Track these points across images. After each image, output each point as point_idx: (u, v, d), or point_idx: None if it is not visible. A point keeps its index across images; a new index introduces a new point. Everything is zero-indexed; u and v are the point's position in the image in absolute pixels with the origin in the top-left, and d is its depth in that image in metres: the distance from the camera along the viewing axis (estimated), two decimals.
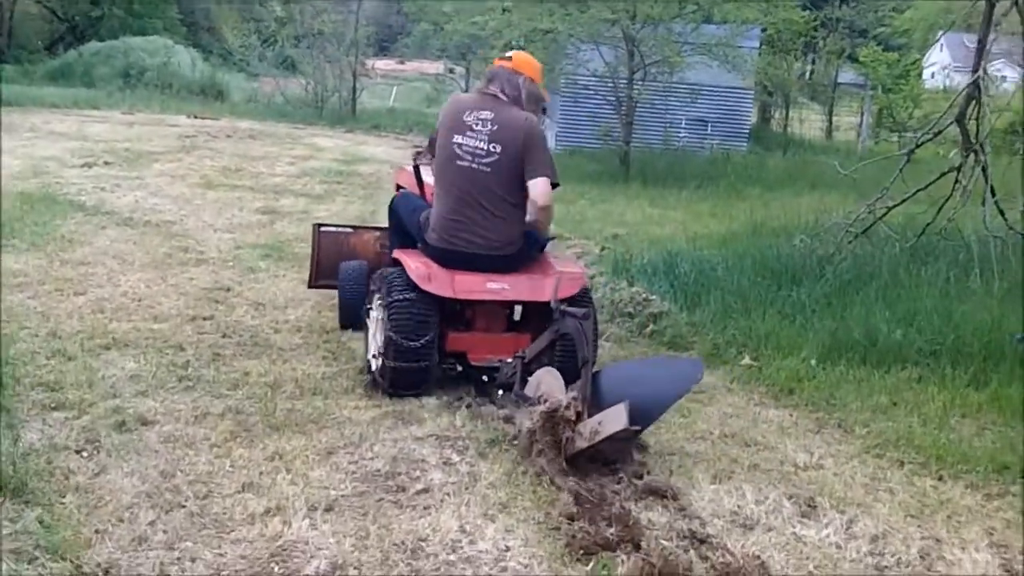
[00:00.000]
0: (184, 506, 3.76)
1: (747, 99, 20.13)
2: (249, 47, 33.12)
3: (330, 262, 6.71)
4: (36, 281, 7.30)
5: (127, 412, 4.74)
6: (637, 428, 4.16)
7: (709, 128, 19.42)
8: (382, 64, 45.68)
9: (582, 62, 16.32)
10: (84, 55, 33.43)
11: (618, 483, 4.14)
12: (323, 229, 6.86)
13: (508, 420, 4.80)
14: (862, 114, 25.70)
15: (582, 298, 5.31)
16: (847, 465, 4.57)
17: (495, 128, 5.24)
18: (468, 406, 5.07)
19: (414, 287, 5.16)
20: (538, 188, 5.22)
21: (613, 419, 4.09)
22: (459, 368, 5.42)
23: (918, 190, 8.39)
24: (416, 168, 6.23)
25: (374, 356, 5.38)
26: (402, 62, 51.04)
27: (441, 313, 5.27)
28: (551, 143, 19.35)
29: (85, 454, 4.24)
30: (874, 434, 4.94)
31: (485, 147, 5.23)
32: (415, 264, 5.26)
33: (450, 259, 5.31)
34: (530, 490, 4.06)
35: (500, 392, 5.05)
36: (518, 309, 5.64)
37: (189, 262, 8.35)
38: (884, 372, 5.79)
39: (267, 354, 5.91)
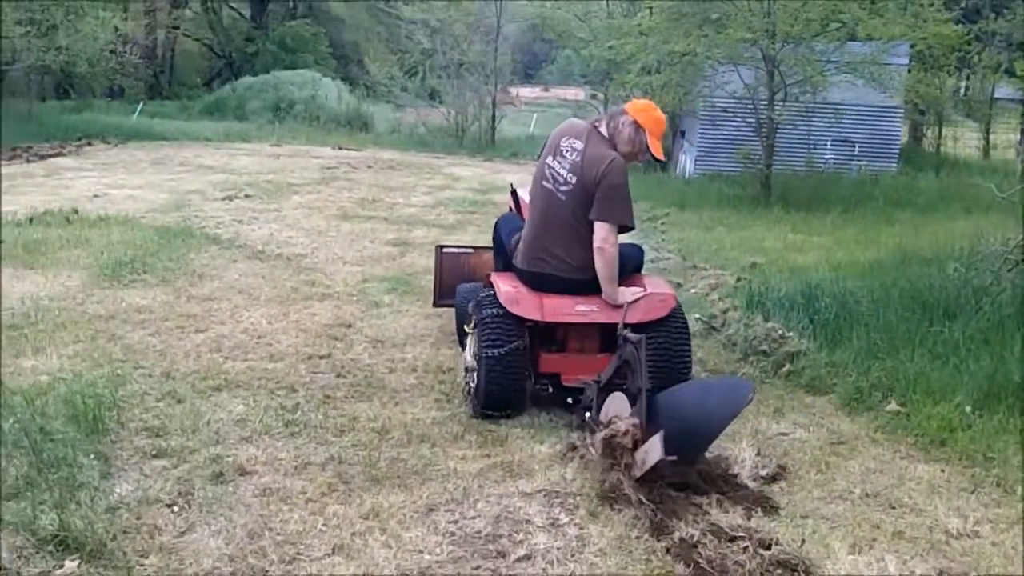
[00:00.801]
0: (267, 571, 3.53)
1: (896, 118, 19.24)
2: (394, 78, 33.53)
3: (452, 282, 6.87)
4: (160, 318, 7.27)
5: (226, 461, 4.57)
6: (673, 458, 4.07)
7: (856, 149, 18.62)
8: (526, 92, 45.92)
9: (720, 84, 15.82)
10: (237, 89, 34.39)
11: (743, 552, 3.72)
12: (445, 251, 7.09)
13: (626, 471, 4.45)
14: (1022, 131, 24.40)
15: (673, 319, 5.40)
16: (1007, 534, 4.03)
17: (578, 160, 5.36)
18: (582, 456, 4.71)
19: (504, 308, 5.29)
20: (596, 231, 5.32)
21: (652, 449, 4.06)
22: (550, 389, 5.42)
23: None
24: (513, 190, 6.32)
25: (469, 376, 5.47)
26: (546, 89, 51.32)
27: (534, 335, 5.39)
28: (690, 167, 18.96)
29: (176, 508, 4.07)
30: None
31: (565, 175, 5.39)
32: (505, 287, 5.42)
33: (538, 282, 5.45)
34: (643, 559, 3.70)
35: (587, 415, 4.94)
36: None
37: (314, 296, 8.24)
38: None
39: (379, 396, 5.69)
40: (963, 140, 26.59)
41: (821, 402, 5.75)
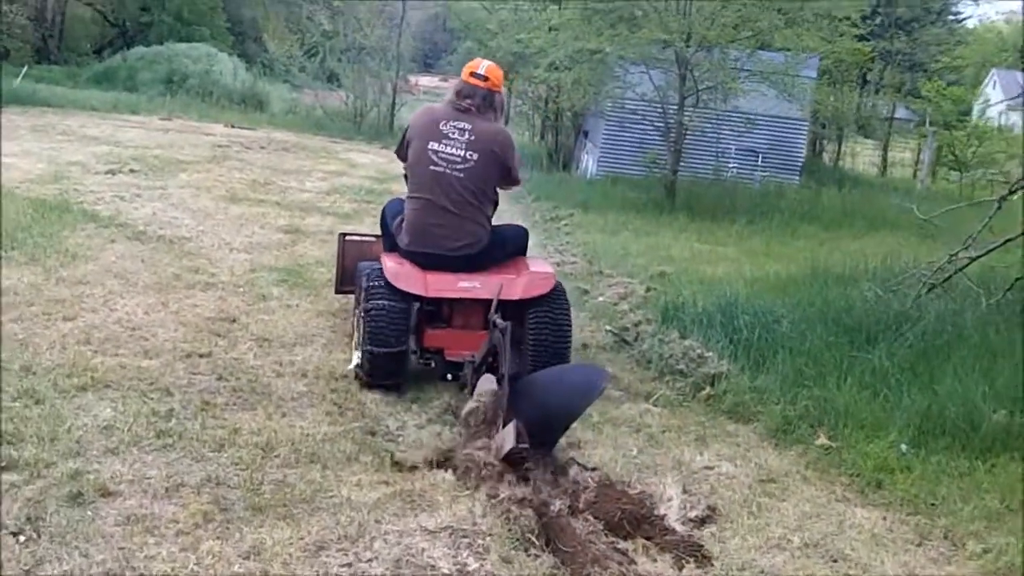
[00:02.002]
0: None
1: (801, 130, 19.13)
2: (292, 58, 32.56)
3: (354, 269, 6.64)
4: (24, 301, 6.56)
5: (87, 478, 3.96)
6: (524, 447, 4.14)
7: (760, 159, 18.48)
8: (426, 80, 45.27)
9: (630, 85, 15.48)
10: (128, 59, 32.93)
11: None
12: (348, 238, 7.01)
13: (541, 509, 3.99)
14: (919, 151, 24.75)
15: (554, 297, 5.63)
16: None
17: (473, 138, 5.67)
18: (491, 490, 4.20)
19: (388, 281, 5.51)
20: (506, 188, 6.07)
21: (507, 437, 4.18)
22: (433, 364, 5.64)
23: (1009, 240, 7.50)
24: (407, 177, 6.27)
25: (356, 349, 5.69)
26: (445, 79, 50.58)
27: (421, 312, 5.66)
28: (592, 168, 18.66)
29: (23, 538, 3.46)
30: (994, 553, 3.96)
31: (462, 154, 5.66)
32: (390, 264, 5.66)
33: (423, 260, 5.68)
34: None
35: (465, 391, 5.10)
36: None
37: (197, 285, 7.59)
38: (990, 464, 4.82)
39: (263, 405, 5.11)
40: (859, 156, 26.89)
41: (745, 431, 5.35)
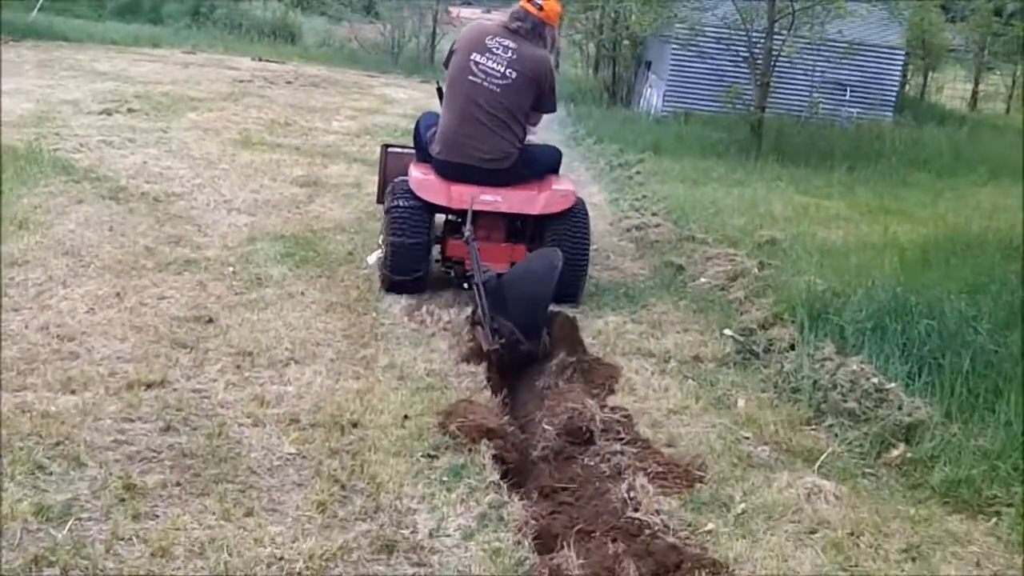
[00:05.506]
0: None
1: (896, 61, 16.77)
2: None
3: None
4: None
5: None
6: (495, 347, 4.52)
7: (848, 93, 16.21)
8: (467, 12, 43.25)
9: (708, 7, 13.29)
10: None
11: None
12: (390, 150, 6.91)
13: None
14: (1012, 83, 22.38)
15: (573, 214, 5.77)
16: None
17: (515, 58, 5.76)
18: None
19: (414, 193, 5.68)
20: (535, 118, 6.06)
21: (482, 339, 4.65)
22: (453, 273, 5.79)
23: None
24: (439, 89, 6.24)
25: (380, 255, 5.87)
26: (488, 11, 48.72)
27: (446, 223, 5.98)
28: (657, 104, 16.54)
29: None
30: None
31: (502, 70, 5.75)
32: (417, 173, 5.82)
33: (450, 171, 5.78)
34: None
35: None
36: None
37: (172, 265, 5.78)
38: None
39: (221, 487, 3.25)
40: (944, 88, 24.44)
41: (981, 534, 3.29)
